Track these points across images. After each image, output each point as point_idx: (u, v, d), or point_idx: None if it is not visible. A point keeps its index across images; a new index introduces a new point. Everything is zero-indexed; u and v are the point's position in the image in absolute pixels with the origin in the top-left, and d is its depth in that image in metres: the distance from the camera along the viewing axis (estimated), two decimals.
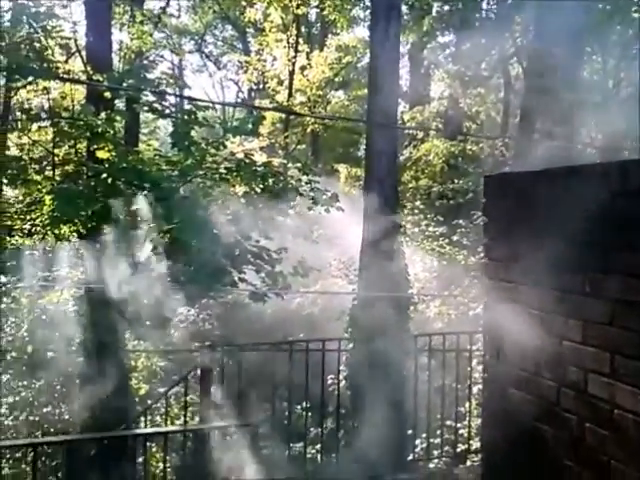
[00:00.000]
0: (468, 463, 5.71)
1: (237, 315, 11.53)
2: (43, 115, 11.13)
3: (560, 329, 2.14)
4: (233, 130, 8.59)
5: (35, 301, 9.51)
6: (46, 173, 8.46)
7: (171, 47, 20.31)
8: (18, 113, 12.82)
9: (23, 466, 8.62)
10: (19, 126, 12.43)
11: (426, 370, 5.43)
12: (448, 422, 5.78)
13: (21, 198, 9.81)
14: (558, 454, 2.16)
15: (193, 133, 8.07)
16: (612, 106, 11.24)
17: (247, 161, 8.02)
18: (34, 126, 11.80)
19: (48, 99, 11.06)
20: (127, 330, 8.79)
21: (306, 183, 8.61)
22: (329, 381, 6.74)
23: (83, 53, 10.26)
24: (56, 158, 9.10)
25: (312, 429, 7.69)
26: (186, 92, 14.65)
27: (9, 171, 8.09)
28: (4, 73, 10.38)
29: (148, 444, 4.93)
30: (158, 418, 8.35)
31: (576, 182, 2.12)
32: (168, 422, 7.59)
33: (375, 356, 5.68)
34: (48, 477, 8.26)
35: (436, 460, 5.78)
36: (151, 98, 9.52)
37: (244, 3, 19.63)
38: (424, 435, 5.81)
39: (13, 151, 11.96)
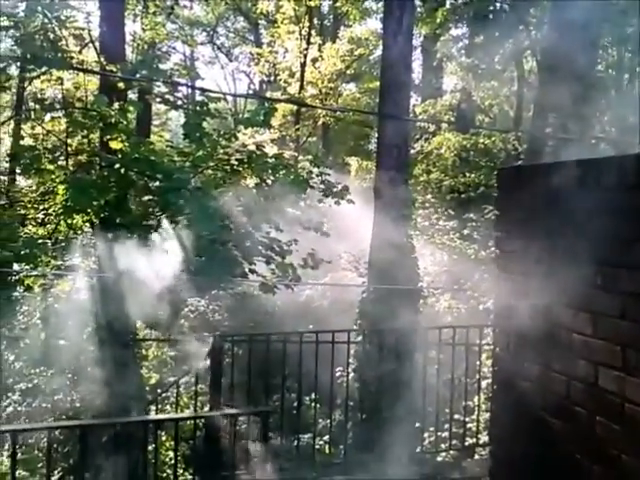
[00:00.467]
0: (476, 457, 5.72)
1: (247, 307, 11.58)
2: (57, 105, 11.20)
3: (571, 322, 2.14)
4: (245, 122, 8.62)
5: (48, 290, 9.62)
6: (59, 163, 8.51)
7: (183, 38, 20.31)
8: (32, 103, 12.92)
9: (36, 452, 8.76)
10: (33, 116, 12.54)
11: (435, 363, 5.44)
12: (456, 416, 5.79)
13: (34, 188, 9.90)
14: (567, 448, 2.16)
15: (205, 124, 8.09)
16: (627, 100, 11.12)
17: (258, 153, 8.04)
18: (48, 116, 11.90)
19: (62, 89, 11.13)
20: (138, 319, 8.88)
21: (317, 175, 8.62)
22: (337, 373, 6.76)
23: (96, 44, 10.31)
24: (69, 148, 9.15)
25: (320, 420, 7.74)
26: (198, 84, 14.69)
27: (23, 160, 8.16)
28: (18, 63, 10.47)
29: (159, 432, 4.99)
30: (168, 407, 8.43)
31: (590, 175, 2.11)
32: (178, 411, 7.66)
33: (384, 349, 5.69)
34: (60, 463, 8.38)
35: (444, 453, 5.79)
36: (163, 89, 9.56)
37: None
38: (432, 428, 5.83)
39: (27, 141, 12.07)
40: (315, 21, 20.73)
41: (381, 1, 15.64)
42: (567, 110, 9.28)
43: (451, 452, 5.72)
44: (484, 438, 5.60)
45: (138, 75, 9.14)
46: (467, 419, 5.71)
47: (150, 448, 5.41)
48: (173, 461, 5.22)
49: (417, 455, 5.60)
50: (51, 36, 9.85)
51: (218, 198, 7.82)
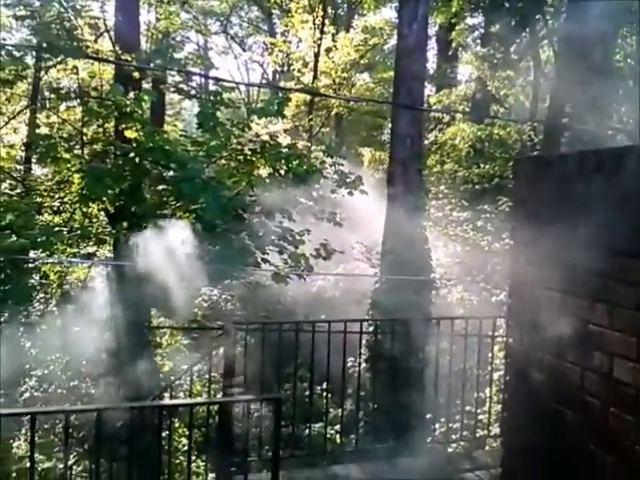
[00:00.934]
0: (487, 448, 5.72)
1: (259, 296, 11.64)
2: (72, 94, 11.27)
3: (586, 313, 2.13)
4: (258, 111, 8.60)
5: (64, 277, 9.74)
6: (75, 152, 8.57)
7: (197, 28, 20.28)
8: (47, 92, 13.00)
9: (51, 437, 8.92)
10: (48, 105, 12.63)
11: (447, 354, 5.44)
12: (468, 407, 5.79)
13: (50, 176, 9.99)
14: (581, 439, 2.16)
15: (218, 114, 8.10)
16: None
17: (272, 143, 8.04)
18: (63, 105, 11.97)
19: (77, 79, 11.19)
20: (152, 307, 8.96)
21: (330, 165, 8.61)
22: (349, 363, 6.79)
23: (111, 33, 10.34)
24: (85, 137, 9.21)
25: (332, 410, 7.78)
26: (212, 73, 14.67)
27: (39, 149, 8.23)
28: (34, 52, 10.54)
29: (172, 419, 5.05)
30: (181, 394, 8.52)
31: (608, 165, 2.10)
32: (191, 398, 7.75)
33: (396, 339, 5.70)
34: (76, 448, 8.53)
35: (455, 444, 5.80)
36: (177, 79, 9.57)
37: None
38: (443, 419, 5.84)
39: (43, 130, 12.17)
40: (329, 10, 20.60)
41: None
42: (584, 100, 9.16)
43: (462, 443, 5.72)
44: (495, 430, 5.59)
45: (152, 64, 9.16)
46: (478, 410, 5.70)
47: (164, 435, 5.50)
48: (186, 447, 5.28)
49: (428, 445, 5.62)
50: (67, 25, 9.89)
51: (232, 187, 7.85)
